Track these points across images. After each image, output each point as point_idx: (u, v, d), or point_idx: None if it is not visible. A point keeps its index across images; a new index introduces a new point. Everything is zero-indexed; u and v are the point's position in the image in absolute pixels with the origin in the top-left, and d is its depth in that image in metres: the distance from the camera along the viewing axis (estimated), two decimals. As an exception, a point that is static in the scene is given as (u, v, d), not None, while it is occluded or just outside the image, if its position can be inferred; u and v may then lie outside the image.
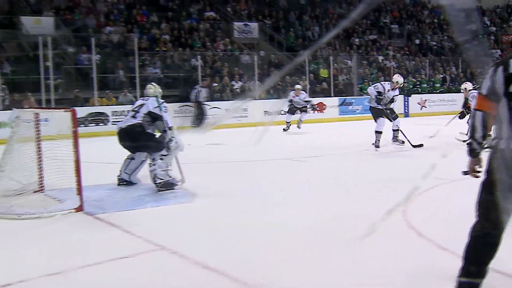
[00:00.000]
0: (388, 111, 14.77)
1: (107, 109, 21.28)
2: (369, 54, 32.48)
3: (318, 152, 14.05)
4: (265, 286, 4.93)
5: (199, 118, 22.29)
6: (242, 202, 8.73)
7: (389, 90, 14.76)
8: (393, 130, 14.90)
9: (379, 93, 14.64)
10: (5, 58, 21.98)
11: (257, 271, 5.38)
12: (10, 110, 10.56)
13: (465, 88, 15.65)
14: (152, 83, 10.49)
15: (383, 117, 14.56)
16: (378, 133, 14.41)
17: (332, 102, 26.25)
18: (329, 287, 5.00)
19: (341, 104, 26.56)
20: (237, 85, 25.66)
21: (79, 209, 7.95)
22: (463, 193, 8.72)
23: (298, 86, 21.71)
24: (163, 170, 9.19)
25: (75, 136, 8.07)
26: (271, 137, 16.29)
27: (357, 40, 33.67)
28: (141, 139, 9.18)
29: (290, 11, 34.70)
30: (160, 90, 10.22)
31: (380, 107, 14.63)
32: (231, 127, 21.81)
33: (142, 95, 22.79)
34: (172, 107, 22.46)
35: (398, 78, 15.11)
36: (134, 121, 9.24)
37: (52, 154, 8.66)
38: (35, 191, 8.80)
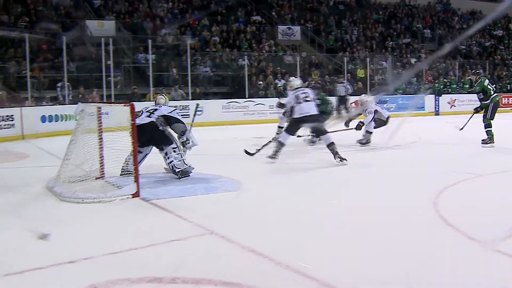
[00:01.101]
0: None
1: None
2: (403, 57, 32.15)
3: (355, 145, 13.93)
4: (307, 271, 4.90)
5: (341, 110, 23.37)
6: (287, 191, 8.72)
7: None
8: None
9: None
10: (71, 57, 22.24)
11: (300, 256, 5.35)
12: (75, 104, 10.69)
13: None
14: (163, 94, 10.99)
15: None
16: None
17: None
18: (365, 273, 4.95)
19: (376, 103, 26.27)
20: (280, 83, 25.62)
21: (136, 195, 8.01)
22: (491, 186, 8.72)
23: None
24: (179, 160, 9.26)
25: (133, 128, 8.14)
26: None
27: (392, 43, 33.36)
28: (155, 135, 9.22)
29: (330, 16, 34.51)
30: (169, 101, 10.77)
31: None
32: (274, 122, 21.78)
33: (194, 92, 23.19)
34: (220, 103, 22.66)
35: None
36: (148, 120, 9.24)
37: (112, 145, 8.75)
38: (97, 178, 8.89)
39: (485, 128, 13.56)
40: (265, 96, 24.33)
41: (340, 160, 10.85)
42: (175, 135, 9.60)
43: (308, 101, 11.42)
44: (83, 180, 8.71)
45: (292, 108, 11.58)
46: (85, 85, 21.73)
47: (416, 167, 10.88)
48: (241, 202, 7.96)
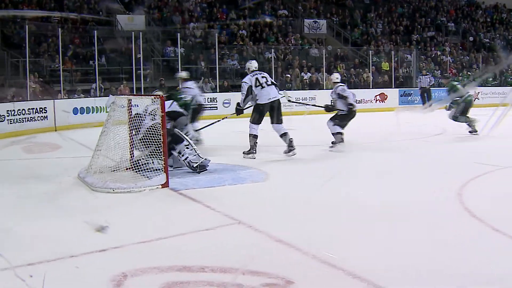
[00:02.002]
0: None
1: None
2: (427, 50, 31.83)
3: (380, 138, 13.81)
4: (334, 261, 4.86)
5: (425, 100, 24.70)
6: (313, 182, 8.67)
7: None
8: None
9: None
10: (102, 51, 22.36)
11: (327, 246, 5.31)
12: (106, 97, 10.74)
13: None
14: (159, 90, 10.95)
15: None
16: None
17: (392, 93, 25.83)
18: (391, 264, 4.90)
19: (401, 95, 26.11)
20: (306, 76, 25.53)
21: (165, 185, 8.03)
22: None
23: None
24: (194, 155, 9.19)
25: (163, 120, 8.15)
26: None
27: (416, 36, 33.05)
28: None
29: (356, 9, 34.29)
30: None
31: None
32: (300, 114, 21.74)
33: (222, 84, 23.20)
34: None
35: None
36: (153, 122, 9.01)
37: (142, 136, 8.76)
38: (127, 168, 8.90)
39: (454, 120, 14.44)
40: (291, 89, 24.24)
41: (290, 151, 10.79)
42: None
43: (270, 84, 11.14)
44: (113, 171, 8.75)
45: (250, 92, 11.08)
46: (116, 78, 21.85)
47: (441, 159, 10.76)
48: (269, 192, 7.94)
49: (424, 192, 7.69)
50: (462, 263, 4.87)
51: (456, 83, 15.06)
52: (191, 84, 12.50)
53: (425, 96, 25.08)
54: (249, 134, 10.93)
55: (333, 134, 11.94)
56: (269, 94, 10.96)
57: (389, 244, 5.43)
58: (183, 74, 12.55)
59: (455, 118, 14.37)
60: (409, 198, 7.34)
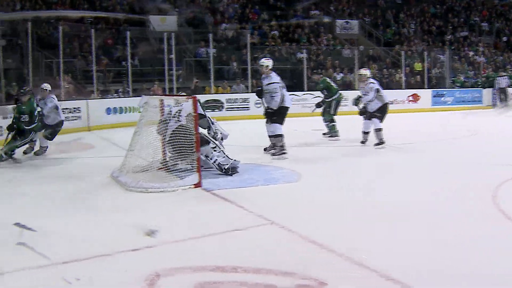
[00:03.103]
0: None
1: (222, 97, 21.52)
2: (461, 50, 31.49)
3: (414, 138, 13.68)
4: (367, 262, 4.82)
5: (504, 101, 25.43)
6: (345, 182, 8.62)
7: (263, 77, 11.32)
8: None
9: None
10: (135, 52, 22.51)
11: (360, 247, 5.26)
12: (139, 97, 10.80)
13: None
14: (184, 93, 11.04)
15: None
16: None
17: (425, 93, 25.59)
18: (425, 266, 4.83)
19: (434, 96, 25.86)
20: (338, 76, 25.43)
21: (198, 185, 8.04)
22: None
23: None
24: (223, 157, 9.13)
25: (196, 120, 8.16)
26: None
27: (449, 36, 32.73)
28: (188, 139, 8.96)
29: (388, 10, 34.06)
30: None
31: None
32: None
33: (253, 85, 23.20)
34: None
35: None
36: (177, 124, 8.92)
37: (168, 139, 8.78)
38: (159, 168, 8.92)
39: (329, 123, 14.14)
40: (324, 89, 24.17)
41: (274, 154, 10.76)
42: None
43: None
44: (146, 170, 8.78)
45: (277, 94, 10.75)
46: (148, 78, 21.98)
47: (474, 159, 10.59)
48: (301, 193, 7.90)
49: (458, 193, 7.59)
50: (497, 265, 4.79)
51: (329, 80, 14.85)
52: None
53: (503, 97, 25.68)
54: (276, 135, 10.83)
55: (377, 130, 12.04)
56: (289, 97, 11.02)
57: (423, 246, 5.36)
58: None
59: (332, 120, 14.15)
60: (442, 200, 7.26)
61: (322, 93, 14.32)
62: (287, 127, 10.93)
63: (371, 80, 12.41)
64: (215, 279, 4.49)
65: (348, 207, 6.93)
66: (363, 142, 12.13)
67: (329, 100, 14.06)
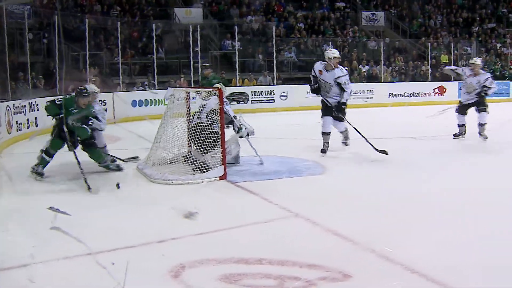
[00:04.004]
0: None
1: (247, 89, 21.54)
2: (488, 42, 31.14)
3: (439, 131, 13.56)
4: (392, 255, 4.81)
5: None
6: (371, 175, 8.59)
7: (320, 71, 10.16)
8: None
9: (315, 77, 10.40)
10: (160, 44, 22.62)
11: (385, 240, 5.25)
12: (165, 90, 10.83)
13: None
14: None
15: None
16: None
17: (451, 86, 25.36)
18: (452, 259, 4.81)
19: (460, 88, 25.59)
20: (364, 69, 25.31)
21: (223, 177, 8.07)
22: None
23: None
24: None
25: (221, 113, 8.18)
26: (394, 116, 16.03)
27: (476, 28, 32.37)
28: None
29: (414, 1, 33.77)
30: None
31: None
32: (358, 107, 21.64)
33: (279, 78, 23.19)
34: (305, 88, 22.56)
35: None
36: (197, 121, 8.85)
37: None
38: (185, 161, 8.95)
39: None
40: (349, 81, 24.05)
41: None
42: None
43: None
44: (171, 163, 8.81)
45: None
46: (174, 71, 22.07)
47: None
48: (326, 185, 7.89)
49: (488, 187, 7.53)
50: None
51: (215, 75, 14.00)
52: None
53: None
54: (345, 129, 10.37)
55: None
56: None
57: (451, 239, 5.33)
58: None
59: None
60: (476, 190, 7.19)
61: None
62: (312, 120, 10.91)
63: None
64: (240, 271, 4.51)
65: (372, 199, 6.90)
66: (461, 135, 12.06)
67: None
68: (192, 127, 8.76)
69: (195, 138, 8.50)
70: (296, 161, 9.49)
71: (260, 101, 21.41)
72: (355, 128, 10.00)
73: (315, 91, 10.22)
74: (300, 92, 22.19)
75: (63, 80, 17.25)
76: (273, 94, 21.60)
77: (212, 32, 25.44)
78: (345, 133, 10.44)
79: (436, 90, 24.77)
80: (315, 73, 10.13)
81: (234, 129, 9.30)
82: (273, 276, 4.38)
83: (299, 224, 5.93)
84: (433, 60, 26.93)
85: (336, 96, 10.03)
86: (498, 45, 30.65)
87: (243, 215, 6.36)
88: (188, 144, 9.11)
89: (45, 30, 19.74)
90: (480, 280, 4.35)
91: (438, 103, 23.32)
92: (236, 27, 22.85)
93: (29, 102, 13.79)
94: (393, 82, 25.19)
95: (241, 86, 21.82)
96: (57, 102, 8.44)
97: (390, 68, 26.07)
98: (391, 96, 23.55)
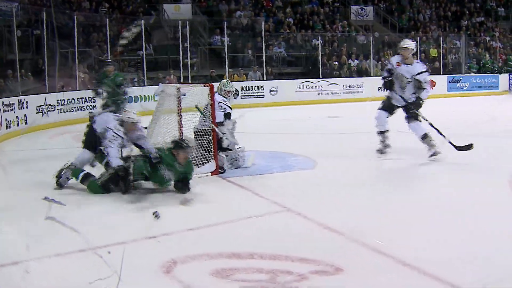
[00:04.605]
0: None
1: (237, 85, 21.52)
2: (477, 35, 31.25)
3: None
4: (383, 249, 4.83)
5: None
6: (359, 169, 8.62)
7: (398, 63, 9.19)
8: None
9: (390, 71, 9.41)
10: (149, 41, 22.56)
11: (376, 234, 5.28)
12: (155, 86, 10.79)
13: None
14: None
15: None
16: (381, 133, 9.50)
17: (441, 79, 25.46)
18: (442, 253, 4.86)
19: (450, 82, 25.72)
20: (353, 63, 25.36)
21: (215, 172, 8.08)
22: None
23: None
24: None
25: (212, 108, 8.19)
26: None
27: (465, 22, 32.47)
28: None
29: (403, -4, 33.87)
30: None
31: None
32: (348, 101, 21.73)
33: (271, 72, 23.19)
34: (294, 83, 22.61)
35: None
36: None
37: (190, 124, 8.78)
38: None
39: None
40: (339, 76, 24.13)
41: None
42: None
43: None
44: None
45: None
46: (163, 67, 22.02)
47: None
48: (317, 179, 7.91)
49: (475, 184, 7.58)
50: None
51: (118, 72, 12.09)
52: None
53: None
54: (425, 134, 9.04)
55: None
56: None
57: (444, 234, 5.36)
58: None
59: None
60: (462, 194, 7.23)
61: (120, 89, 11.41)
62: (301, 115, 10.93)
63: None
64: (232, 265, 4.52)
65: (363, 194, 6.93)
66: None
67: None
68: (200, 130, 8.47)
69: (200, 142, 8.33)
70: (287, 156, 9.51)
71: (249, 96, 21.40)
72: (431, 124, 9.09)
73: (388, 85, 9.33)
74: (290, 87, 22.27)
75: (55, 77, 17.21)
76: (263, 89, 21.61)
77: (201, 28, 25.39)
78: (426, 140, 9.01)
79: None
80: (391, 66, 9.33)
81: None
82: (265, 270, 4.40)
83: (290, 218, 5.95)
84: (423, 54, 27.00)
85: (412, 93, 9.10)
86: (487, 38, 30.77)
87: (234, 210, 6.36)
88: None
89: (33, 27, 19.62)
90: (473, 274, 4.38)
91: (428, 97, 23.40)
92: (225, 22, 22.84)
93: (18, 100, 13.77)
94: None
95: (231, 81, 21.79)
96: None
97: (380, 62, 26.11)
98: (380, 90, 23.58)
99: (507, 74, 26.45)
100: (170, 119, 8.99)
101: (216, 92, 8.79)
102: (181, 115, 9.01)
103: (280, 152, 9.88)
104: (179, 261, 4.61)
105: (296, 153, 9.73)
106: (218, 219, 5.87)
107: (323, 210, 6.21)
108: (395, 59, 9.37)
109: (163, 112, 9.05)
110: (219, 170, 8.24)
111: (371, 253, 4.80)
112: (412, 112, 9.05)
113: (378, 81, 23.54)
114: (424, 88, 9.08)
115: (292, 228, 5.62)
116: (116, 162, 7.03)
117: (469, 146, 8.93)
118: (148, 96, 18.30)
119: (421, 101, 9.10)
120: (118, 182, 7.03)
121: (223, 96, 9.08)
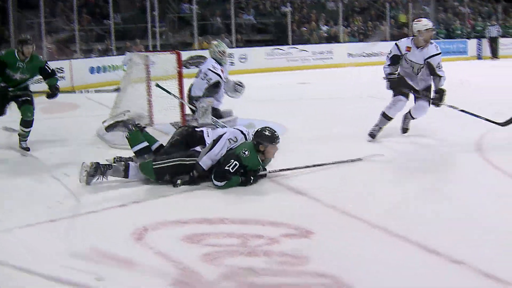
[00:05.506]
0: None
1: (206, 53, 21.38)
2: (446, 1, 31.31)
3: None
4: (353, 211, 4.91)
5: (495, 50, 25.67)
6: (330, 134, 8.66)
7: (408, 48, 7.90)
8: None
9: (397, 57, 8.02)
10: (117, 9, 22.28)
11: (343, 196, 5.35)
12: (123, 55, 10.70)
13: None
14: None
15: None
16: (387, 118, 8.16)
17: (410, 45, 25.52)
18: (404, 215, 4.94)
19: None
20: (323, 29, 25.33)
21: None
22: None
23: None
24: None
25: (180, 76, 8.15)
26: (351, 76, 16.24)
27: (434, -14, 32.52)
28: None
29: (372, -40, 33.77)
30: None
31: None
32: (318, 67, 21.74)
33: (241, 40, 23.07)
34: (264, 50, 22.54)
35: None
36: None
37: (159, 93, 8.74)
38: (146, 125, 8.89)
39: None
40: (309, 42, 24.11)
41: None
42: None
43: None
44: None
45: None
46: (131, 36, 21.80)
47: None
48: (287, 145, 7.88)
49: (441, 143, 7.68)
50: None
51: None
52: None
53: (493, 46, 25.75)
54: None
55: None
56: None
57: (411, 193, 5.49)
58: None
59: None
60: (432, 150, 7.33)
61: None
62: (271, 82, 10.92)
63: None
64: (203, 231, 4.55)
65: (333, 158, 6.97)
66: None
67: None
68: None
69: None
70: (257, 123, 9.50)
71: (220, 64, 21.26)
72: (463, 111, 7.91)
73: (395, 84, 8.01)
74: (259, 55, 22.20)
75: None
76: (232, 57, 21.52)
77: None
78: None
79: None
80: (400, 51, 7.95)
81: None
82: (236, 235, 4.44)
83: (261, 183, 5.98)
84: (392, 20, 27.08)
85: (426, 81, 8.01)
86: (456, 3, 30.86)
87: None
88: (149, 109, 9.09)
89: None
90: (424, 230, 4.50)
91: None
92: (193, -11, 22.66)
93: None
94: (352, 42, 25.25)
95: (200, 49, 21.65)
96: None
97: (349, 28, 26.12)
98: (350, 57, 23.64)
99: (476, 40, 26.61)
100: (138, 88, 8.97)
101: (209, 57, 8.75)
102: (150, 84, 8.99)
103: (251, 119, 9.87)
104: (150, 228, 4.63)
105: (267, 120, 9.74)
106: (188, 187, 5.88)
107: (293, 175, 6.25)
108: (404, 43, 7.96)
109: (131, 81, 9.01)
110: None
111: (341, 216, 4.89)
112: (436, 103, 7.83)
113: (348, 47, 23.84)
114: (439, 75, 7.80)
115: (262, 193, 5.68)
116: (208, 164, 5.93)
117: (509, 122, 7.76)
118: (117, 65, 18.13)
119: (444, 93, 7.78)
120: (175, 175, 5.92)
121: (217, 59, 8.81)
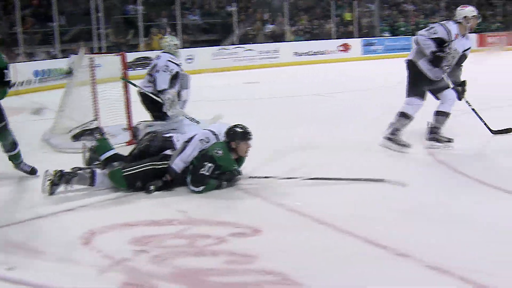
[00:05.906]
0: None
1: (152, 54, 21.28)
2: (390, -1, 31.80)
3: (344, 87, 13.85)
4: (300, 208, 4.96)
5: None
6: (282, 128, 8.73)
7: (457, 35, 7.11)
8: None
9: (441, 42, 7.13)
10: (61, 11, 21.98)
11: (290, 193, 5.40)
12: (67, 58, 10.58)
13: None
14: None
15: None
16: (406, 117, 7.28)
17: (355, 43, 25.86)
18: (352, 212, 5.02)
19: (364, 45, 26.13)
20: (268, 28, 25.48)
21: (130, 142, 8.02)
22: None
23: None
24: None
25: (126, 76, 8.12)
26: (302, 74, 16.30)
27: (378, -16, 32.91)
28: None
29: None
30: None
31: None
32: (264, 67, 21.83)
33: (184, 40, 22.98)
34: (210, 50, 22.54)
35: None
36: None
37: (105, 95, 8.67)
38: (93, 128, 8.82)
39: None
40: (254, 42, 24.21)
41: None
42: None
43: None
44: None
45: None
46: (75, 38, 21.53)
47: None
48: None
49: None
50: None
51: None
52: None
53: None
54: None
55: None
56: None
57: (362, 194, 5.58)
58: None
59: None
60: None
61: None
62: (218, 82, 10.93)
63: None
64: (151, 233, 4.55)
65: (275, 151, 6.99)
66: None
67: None
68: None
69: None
70: (203, 123, 9.50)
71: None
72: (473, 110, 7.70)
73: (439, 62, 7.15)
74: (206, 55, 22.18)
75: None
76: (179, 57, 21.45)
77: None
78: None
79: (341, 48, 25.19)
80: (449, 37, 7.08)
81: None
82: (184, 236, 4.46)
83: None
84: (337, 18, 27.37)
85: (448, 72, 7.37)
86: (400, 1, 31.31)
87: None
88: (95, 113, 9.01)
89: None
90: (370, 225, 4.58)
91: (343, 60, 23.81)
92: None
93: None
94: (298, 41, 25.45)
95: (146, 51, 21.52)
96: None
97: (295, 27, 26.32)
98: (296, 55, 23.82)
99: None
100: (83, 91, 8.88)
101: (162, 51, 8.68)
102: (95, 87, 8.92)
103: (200, 119, 9.88)
104: (97, 232, 4.60)
105: (225, 121, 9.75)
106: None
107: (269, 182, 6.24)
108: (453, 29, 7.11)
109: (75, 84, 8.93)
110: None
111: (289, 214, 4.94)
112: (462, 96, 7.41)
113: (294, 45, 24.02)
114: (462, 66, 7.43)
115: (209, 194, 5.65)
116: (180, 166, 5.79)
117: (508, 130, 7.72)
118: (62, 69, 17.88)
119: (466, 86, 7.40)
120: (147, 181, 5.73)
121: (172, 53, 8.75)
